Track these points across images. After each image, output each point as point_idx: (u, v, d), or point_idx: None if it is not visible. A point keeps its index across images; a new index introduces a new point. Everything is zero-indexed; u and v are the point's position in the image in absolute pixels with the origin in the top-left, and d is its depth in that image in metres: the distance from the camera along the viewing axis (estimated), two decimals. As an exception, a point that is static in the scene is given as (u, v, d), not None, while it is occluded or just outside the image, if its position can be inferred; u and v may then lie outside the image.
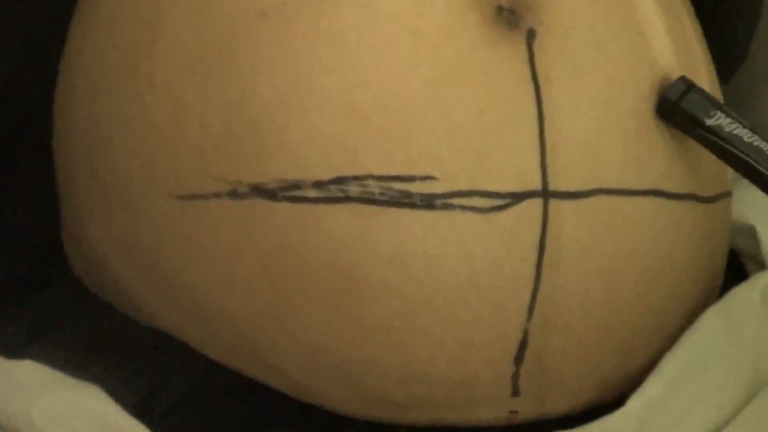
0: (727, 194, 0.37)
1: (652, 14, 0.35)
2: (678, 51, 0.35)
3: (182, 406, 0.34)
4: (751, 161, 0.33)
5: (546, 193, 0.32)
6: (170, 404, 0.34)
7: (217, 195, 0.32)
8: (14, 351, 0.35)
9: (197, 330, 0.35)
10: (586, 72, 0.33)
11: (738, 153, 0.33)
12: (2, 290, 0.39)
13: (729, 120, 0.34)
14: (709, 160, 0.35)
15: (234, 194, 0.32)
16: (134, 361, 0.36)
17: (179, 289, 0.34)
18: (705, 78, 0.37)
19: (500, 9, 0.33)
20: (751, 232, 0.41)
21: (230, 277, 0.33)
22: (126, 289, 0.36)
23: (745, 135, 0.33)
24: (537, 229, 0.32)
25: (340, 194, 0.31)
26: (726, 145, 0.33)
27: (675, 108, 0.34)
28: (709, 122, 0.33)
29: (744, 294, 0.36)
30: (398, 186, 0.31)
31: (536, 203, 0.32)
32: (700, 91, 0.34)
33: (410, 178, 0.31)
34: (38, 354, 0.34)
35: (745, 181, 0.43)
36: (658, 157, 0.34)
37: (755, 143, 0.33)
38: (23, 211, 0.42)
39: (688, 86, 0.34)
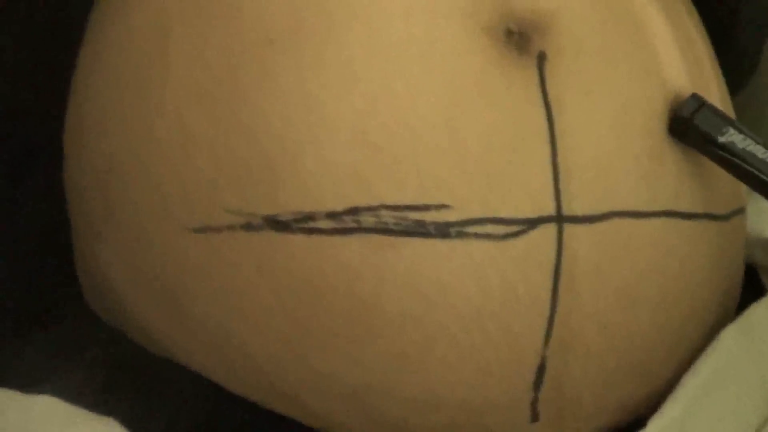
0: (741, 210, 0.37)
1: (662, 32, 0.35)
2: (689, 68, 0.35)
3: (201, 436, 0.34)
4: (765, 177, 0.33)
5: (560, 218, 0.32)
6: None
7: (231, 227, 0.32)
8: (30, 385, 0.35)
9: (213, 362, 0.34)
10: (598, 93, 0.33)
11: (752, 169, 0.33)
12: (16, 322, 0.39)
13: (742, 136, 0.33)
14: (722, 177, 0.35)
15: (248, 226, 0.32)
16: (151, 392, 0.36)
17: (193, 321, 0.34)
18: (716, 93, 0.37)
19: (510, 33, 0.33)
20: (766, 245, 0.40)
21: (245, 309, 0.33)
22: (139, 320, 0.36)
23: (759, 151, 0.33)
24: (552, 254, 0.32)
25: (354, 225, 0.31)
26: (739, 162, 0.33)
27: (688, 126, 0.34)
28: (722, 139, 0.33)
29: (762, 311, 0.36)
30: (412, 215, 0.31)
31: (550, 228, 0.32)
32: (712, 108, 0.34)
33: (424, 208, 0.31)
34: (55, 387, 0.34)
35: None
36: (671, 178, 0.33)
37: None
38: (36, 241, 0.42)
39: (700, 104, 0.34)
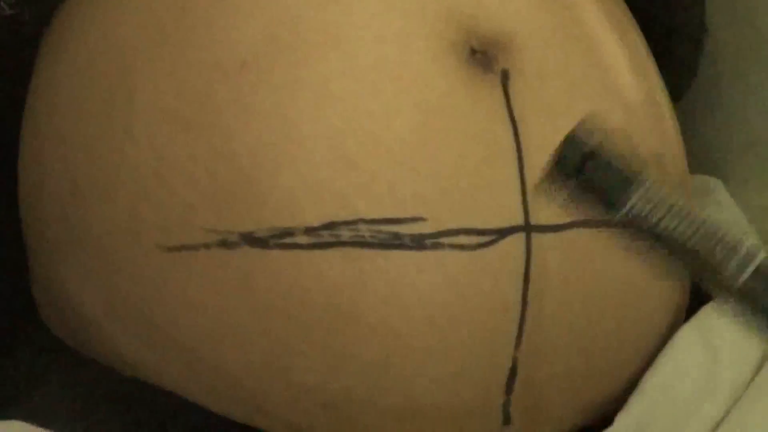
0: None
1: (614, 50, 0.37)
2: (640, 83, 0.37)
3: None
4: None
5: (528, 228, 0.33)
6: None
7: (206, 246, 0.33)
8: (-1, 410, 0.34)
9: (190, 381, 0.35)
10: (560, 110, 0.34)
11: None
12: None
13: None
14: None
15: (224, 244, 0.32)
16: (123, 414, 0.36)
17: (170, 341, 0.34)
18: (664, 104, 0.38)
19: (473, 52, 0.34)
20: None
21: (224, 327, 0.33)
22: (109, 342, 0.36)
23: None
24: (521, 261, 0.33)
25: (332, 239, 0.32)
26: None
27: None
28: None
29: (716, 310, 0.37)
30: (388, 228, 0.32)
31: (519, 238, 0.33)
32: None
33: (400, 221, 0.32)
34: (23, 413, 0.34)
35: (702, 200, 0.45)
36: None
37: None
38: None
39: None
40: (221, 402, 0.34)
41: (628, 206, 0.26)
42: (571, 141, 0.26)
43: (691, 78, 0.46)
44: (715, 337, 0.36)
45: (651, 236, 0.26)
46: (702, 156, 0.48)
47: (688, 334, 0.36)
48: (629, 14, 0.40)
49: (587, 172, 0.26)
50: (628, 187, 0.26)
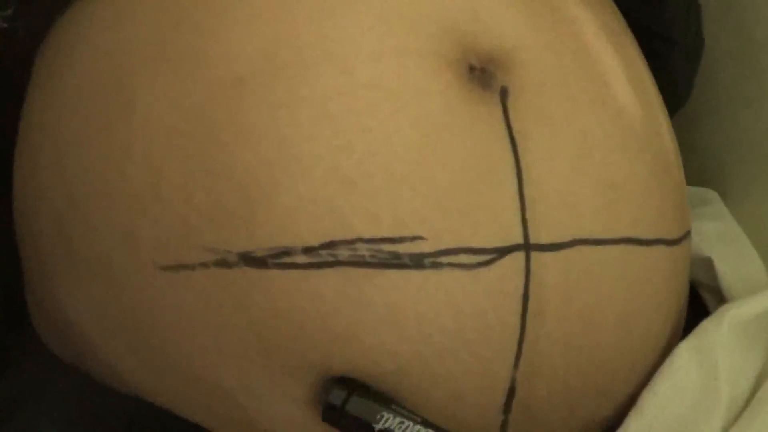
0: (689, 233, 0.39)
1: (613, 65, 0.36)
2: (639, 98, 0.37)
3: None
4: None
5: (528, 246, 0.33)
6: None
7: (204, 265, 0.32)
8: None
9: (185, 399, 0.34)
10: (559, 127, 0.34)
11: None
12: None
13: (399, 419, 0.32)
14: (674, 202, 0.37)
15: (222, 263, 0.32)
16: (116, 431, 0.36)
17: (166, 360, 0.34)
18: (663, 121, 0.38)
19: (472, 68, 0.34)
20: (707, 264, 0.42)
21: (221, 346, 0.33)
22: (105, 358, 0.36)
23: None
24: (520, 281, 0.33)
25: (330, 259, 0.32)
26: None
27: (341, 414, 0.32)
28: (378, 427, 0.32)
29: (712, 327, 0.37)
30: (387, 248, 0.32)
31: (519, 257, 0.33)
32: (364, 392, 0.32)
33: (399, 240, 0.32)
34: (16, 429, 0.34)
35: (698, 212, 0.45)
36: (629, 206, 0.35)
37: None
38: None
39: (351, 388, 0.32)
40: (215, 419, 0.34)
41: (384, 425, 0.31)
42: (337, 384, 0.32)
43: (688, 90, 0.46)
44: (713, 353, 0.36)
45: None
46: (699, 168, 0.48)
47: (685, 351, 0.36)
48: (626, 28, 0.40)
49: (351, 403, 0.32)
50: (384, 409, 0.32)
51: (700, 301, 0.43)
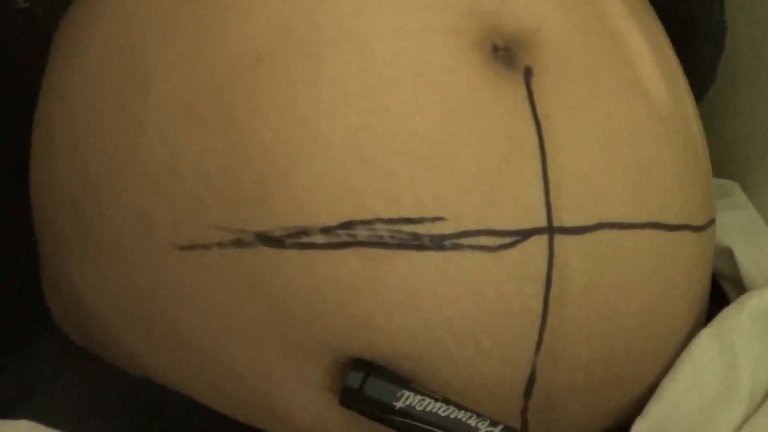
0: (714, 220, 0.38)
1: (639, 47, 0.36)
2: (666, 80, 0.36)
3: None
4: None
5: (551, 230, 0.32)
6: None
7: (220, 244, 0.32)
8: (5, 411, 0.34)
9: (199, 381, 0.34)
10: (585, 108, 0.33)
11: (436, 431, 0.31)
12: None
13: (419, 397, 0.31)
14: (701, 188, 0.36)
15: (238, 243, 0.32)
16: (131, 415, 0.35)
17: (179, 340, 0.33)
18: (689, 104, 0.38)
19: (495, 48, 0.33)
20: (728, 254, 0.42)
21: (236, 327, 0.32)
22: (119, 341, 0.35)
23: (440, 409, 0.31)
24: (543, 265, 0.32)
25: (348, 239, 0.31)
26: (423, 426, 0.31)
27: (359, 397, 0.31)
28: (399, 405, 0.31)
29: (733, 315, 0.37)
30: (407, 228, 0.31)
31: (542, 240, 0.32)
32: (382, 373, 0.31)
33: (419, 220, 0.31)
34: (31, 413, 0.33)
35: (720, 203, 0.44)
36: (656, 190, 0.34)
37: (452, 415, 0.31)
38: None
39: (367, 370, 0.31)
40: (229, 403, 0.34)
41: (404, 402, 0.31)
42: (354, 366, 0.31)
43: (711, 79, 0.45)
44: (734, 341, 0.36)
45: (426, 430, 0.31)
46: (720, 158, 0.47)
47: (706, 339, 0.36)
48: (652, 11, 0.40)
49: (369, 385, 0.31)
50: (403, 387, 0.31)
51: (720, 292, 0.42)
